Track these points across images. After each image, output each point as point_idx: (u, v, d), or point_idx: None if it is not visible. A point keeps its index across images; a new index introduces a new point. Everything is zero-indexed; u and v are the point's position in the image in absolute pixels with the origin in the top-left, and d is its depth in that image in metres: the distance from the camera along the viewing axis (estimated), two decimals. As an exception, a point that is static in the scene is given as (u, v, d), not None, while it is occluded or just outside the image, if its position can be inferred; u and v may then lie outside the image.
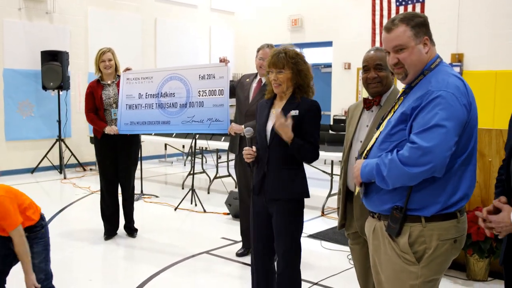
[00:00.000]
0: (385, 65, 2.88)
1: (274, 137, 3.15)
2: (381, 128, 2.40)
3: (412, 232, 2.26)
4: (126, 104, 5.28)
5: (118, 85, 5.32)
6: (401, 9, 10.29)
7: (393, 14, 10.39)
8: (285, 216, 3.20)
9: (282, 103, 3.22)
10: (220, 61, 4.88)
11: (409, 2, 10.18)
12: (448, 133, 2.11)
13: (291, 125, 3.02)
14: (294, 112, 3.11)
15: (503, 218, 2.14)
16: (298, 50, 3.21)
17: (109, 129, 5.18)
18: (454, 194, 2.24)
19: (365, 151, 2.44)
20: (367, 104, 2.98)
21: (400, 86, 2.58)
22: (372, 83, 2.93)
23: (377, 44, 10.70)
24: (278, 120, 3.02)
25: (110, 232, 5.44)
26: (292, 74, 3.14)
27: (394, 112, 2.37)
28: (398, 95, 2.46)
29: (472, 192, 2.32)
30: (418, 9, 10.06)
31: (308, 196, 3.25)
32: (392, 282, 2.36)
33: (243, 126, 4.57)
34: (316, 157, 3.20)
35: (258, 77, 4.75)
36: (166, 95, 5.15)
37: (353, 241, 3.17)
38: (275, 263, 3.40)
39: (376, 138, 2.39)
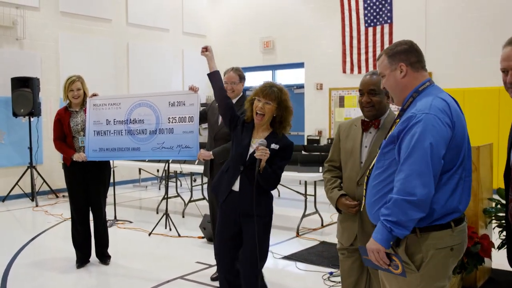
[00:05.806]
0: (379, 90, 3.00)
1: (251, 160, 3.42)
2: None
3: (409, 243, 2.39)
4: (94, 130, 5.26)
5: (85, 111, 5.29)
6: (370, 30, 10.49)
7: (362, 35, 10.60)
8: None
9: (263, 134, 3.48)
10: (190, 89, 4.93)
11: (378, 23, 10.39)
12: (432, 151, 2.27)
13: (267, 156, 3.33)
14: (275, 146, 3.40)
15: None
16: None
17: (77, 156, 5.14)
18: (445, 207, 2.36)
19: (368, 172, 2.63)
20: (365, 126, 3.10)
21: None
22: (366, 107, 3.05)
23: (348, 65, 10.88)
24: (260, 151, 3.29)
25: (82, 260, 5.36)
26: (276, 107, 3.40)
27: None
28: (395, 118, 2.62)
29: (466, 205, 2.45)
30: (386, 30, 10.27)
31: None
32: None
33: (211, 152, 4.60)
34: (275, 186, 3.54)
35: None
36: (135, 121, 5.15)
37: (349, 255, 3.15)
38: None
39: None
